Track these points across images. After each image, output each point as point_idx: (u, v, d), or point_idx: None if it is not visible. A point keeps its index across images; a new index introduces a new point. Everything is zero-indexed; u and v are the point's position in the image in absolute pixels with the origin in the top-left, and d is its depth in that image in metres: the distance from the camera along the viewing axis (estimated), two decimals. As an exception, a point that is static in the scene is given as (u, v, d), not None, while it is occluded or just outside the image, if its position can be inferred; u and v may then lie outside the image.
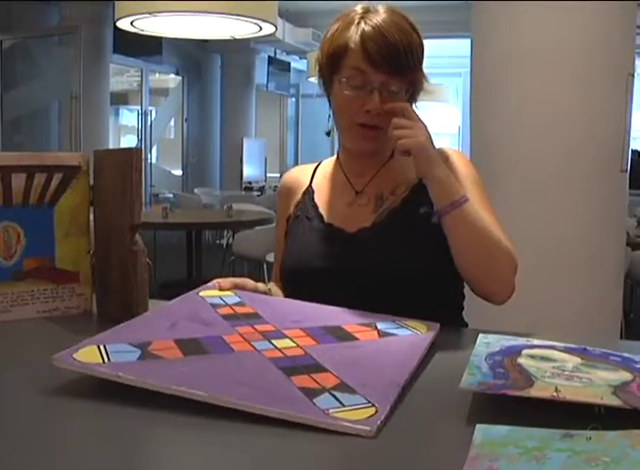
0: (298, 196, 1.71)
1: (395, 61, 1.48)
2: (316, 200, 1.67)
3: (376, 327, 1.27)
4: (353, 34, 1.51)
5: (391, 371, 1.07)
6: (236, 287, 1.47)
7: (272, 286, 1.67)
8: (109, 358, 1.04)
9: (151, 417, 0.95)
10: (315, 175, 1.73)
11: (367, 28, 1.49)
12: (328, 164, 1.74)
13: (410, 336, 1.25)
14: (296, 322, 1.26)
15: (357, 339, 1.21)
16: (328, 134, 1.71)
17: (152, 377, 0.98)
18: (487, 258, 1.45)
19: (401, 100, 1.51)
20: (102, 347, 1.08)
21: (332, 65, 1.55)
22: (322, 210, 1.64)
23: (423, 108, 1.64)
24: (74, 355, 1.04)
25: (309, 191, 1.70)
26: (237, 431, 0.90)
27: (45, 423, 0.93)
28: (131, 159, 1.38)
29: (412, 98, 1.59)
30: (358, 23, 1.51)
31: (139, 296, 1.40)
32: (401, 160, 1.63)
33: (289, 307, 1.39)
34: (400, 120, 1.44)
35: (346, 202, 1.63)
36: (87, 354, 1.05)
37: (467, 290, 1.66)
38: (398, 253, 1.52)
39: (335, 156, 1.74)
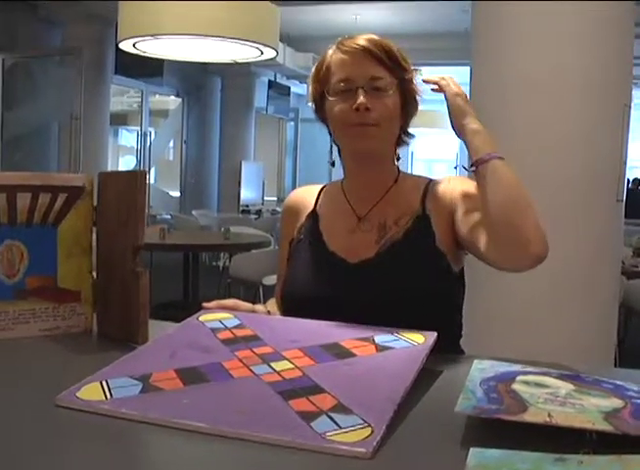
0: (302, 219, 1.72)
1: (370, 50, 1.56)
2: (321, 227, 1.67)
3: (373, 341, 1.28)
4: (334, 51, 1.61)
5: (388, 388, 1.08)
6: (225, 308, 1.49)
7: (271, 306, 1.68)
8: (111, 394, 1.07)
9: (151, 436, 0.97)
10: (320, 199, 1.74)
11: (348, 43, 1.59)
12: (332, 188, 1.75)
13: (407, 349, 1.26)
14: (294, 342, 1.27)
15: (355, 355, 1.23)
16: (332, 164, 1.73)
17: (153, 411, 1.01)
18: (524, 204, 1.45)
19: (392, 99, 1.58)
20: (104, 382, 1.11)
21: (320, 90, 1.63)
22: (326, 237, 1.65)
23: (421, 134, 1.68)
24: (77, 394, 1.07)
25: (314, 216, 1.70)
26: (237, 447, 0.92)
27: (47, 442, 0.94)
28: (136, 181, 1.40)
29: (406, 106, 1.64)
30: (340, 43, 1.61)
31: (140, 316, 1.42)
32: (405, 188, 1.65)
33: (287, 326, 1.40)
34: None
35: (349, 229, 1.63)
36: (90, 392, 1.08)
37: (464, 320, 1.67)
38: (399, 286, 1.53)
39: (338, 180, 1.75)
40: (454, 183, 1.63)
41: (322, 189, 1.77)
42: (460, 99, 1.54)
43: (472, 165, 1.51)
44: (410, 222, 1.59)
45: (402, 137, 1.69)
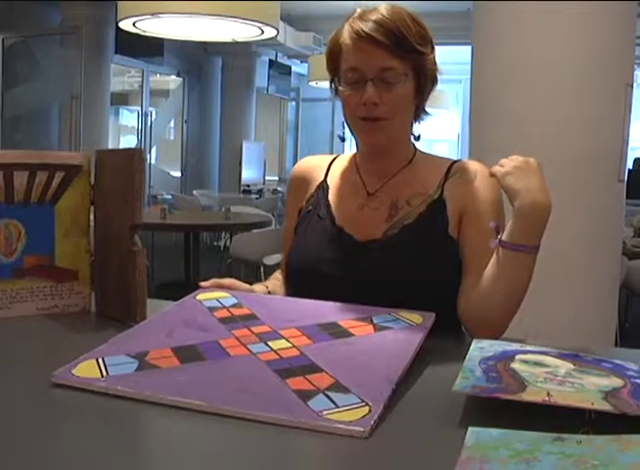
0: (312, 189, 1.68)
1: (382, 36, 1.46)
2: (330, 198, 1.63)
3: (371, 321, 1.28)
4: (345, 33, 1.52)
5: (386, 367, 1.08)
6: (221, 287, 1.48)
7: (272, 283, 1.66)
8: (107, 372, 1.07)
9: (147, 415, 0.97)
10: (330, 170, 1.69)
11: (357, 26, 1.48)
12: (343, 160, 1.70)
13: (405, 329, 1.26)
14: (291, 321, 1.27)
15: (353, 335, 1.22)
16: (342, 140, 1.70)
17: (149, 388, 1.01)
18: (510, 310, 1.47)
19: (403, 88, 1.50)
20: (100, 360, 1.11)
21: (332, 68, 1.58)
22: (334, 210, 1.61)
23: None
24: (73, 371, 1.07)
25: (323, 187, 1.66)
26: (232, 429, 0.92)
27: (43, 421, 0.94)
28: (133, 159, 1.39)
29: (421, 89, 1.55)
30: (352, 22, 1.51)
31: (137, 295, 1.41)
32: (422, 168, 1.60)
33: (285, 306, 1.40)
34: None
35: (358, 204, 1.60)
36: (86, 369, 1.07)
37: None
38: (406, 270, 1.51)
39: (350, 153, 1.71)
40: (479, 186, 1.56)
41: (333, 160, 1.72)
42: (510, 178, 1.44)
43: (500, 241, 1.44)
44: (424, 206, 1.55)
45: (418, 114, 1.62)
